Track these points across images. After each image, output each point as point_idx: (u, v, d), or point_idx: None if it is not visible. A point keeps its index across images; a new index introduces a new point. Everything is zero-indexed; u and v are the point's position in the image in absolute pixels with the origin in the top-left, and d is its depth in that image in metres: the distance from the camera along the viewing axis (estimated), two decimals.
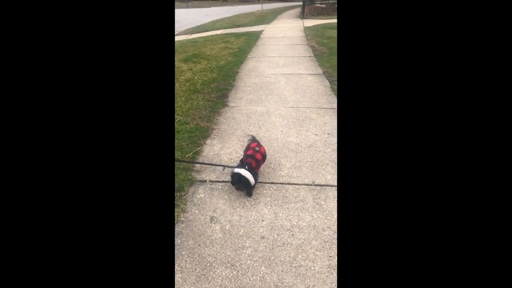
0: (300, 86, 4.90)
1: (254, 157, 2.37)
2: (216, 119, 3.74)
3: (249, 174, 2.21)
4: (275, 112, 3.93)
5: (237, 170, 2.23)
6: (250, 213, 2.17)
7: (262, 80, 5.23)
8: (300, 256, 1.81)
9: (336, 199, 2.32)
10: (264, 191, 2.40)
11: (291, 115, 3.86)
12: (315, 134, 3.34)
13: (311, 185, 2.49)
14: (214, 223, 2.08)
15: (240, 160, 2.37)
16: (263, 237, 1.95)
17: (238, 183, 2.22)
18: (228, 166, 2.56)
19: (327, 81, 5.11)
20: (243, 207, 2.22)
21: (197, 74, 5.51)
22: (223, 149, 3.06)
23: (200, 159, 2.87)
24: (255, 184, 2.32)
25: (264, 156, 2.51)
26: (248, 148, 2.53)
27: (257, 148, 2.46)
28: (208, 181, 2.55)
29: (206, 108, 4.01)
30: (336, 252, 1.82)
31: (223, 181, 2.54)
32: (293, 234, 1.98)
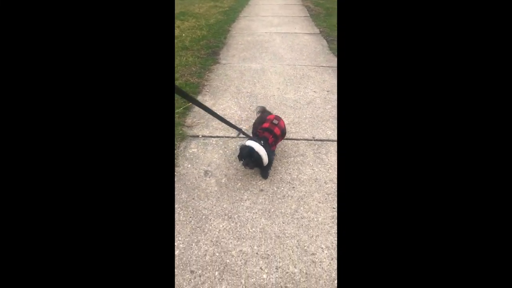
0: (296, 44, 4.60)
1: (271, 131, 1.89)
2: (207, 76, 3.47)
3: (263, 151, 1.75)
4: (270, 70, 3.68)
5: (248, 143, 1.79)
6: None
7: (256, 38, 4.89)
8: (302, 208, 1.70)
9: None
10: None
11: (288, 72, 3.62)
12: (314, 91, 3.15)
13: (311, 140, 2.35)
14: (209, 177, 1.93)
15: (253, 133, 1.96)
16: (261, 190, 1.82)
17: (247, 158, 1.75)
18: (243, 133, 1.90)
19: (324, 40, 4.81)
20: (240, 162, 2.06)
21: (185, 32, 5.09)
22: (216, 105, 2.84)
23: (191, 115, 2.66)
24: (270, 164, 1.87)
25: (283, 132, 2.00)
26: (262, 120, 2.04)
27: (275, 121, 1.95)
28: (201, 136, 2.37)
29: (196, 65, 3.71)
30: None
31: (217, 136, 2.35)
32: (293, 187, 1.85)
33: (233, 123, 2.53)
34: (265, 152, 1.76)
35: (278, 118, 2.00)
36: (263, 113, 2.20)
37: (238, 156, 1.84)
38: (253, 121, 2.57)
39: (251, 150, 1.74)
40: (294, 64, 3.87)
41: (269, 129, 1.91)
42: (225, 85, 3.25)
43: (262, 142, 1.80)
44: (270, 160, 1.84)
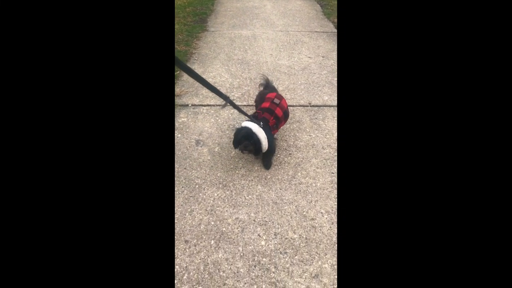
0: (289, 10, 4.34)
1: (272, 112, 1.61)
2: (195, 44, 3.25)
3: (262, 133, 1.48)
4: (262, 36, 3.47)
5: (246, 123, 1.51)
6: None
7: (245, 4, 4.59)
8: (299, 174, 1.63)
9: (335, 118, 2.10)
10: None
11: (281, 38, 3.42)
12: (309, 57, 2.99)
13: (307, 106, 2.23)
14: (201, 147, 1.82)
15: (253, 115, 1.63)
16: (257, 158, 1.73)
17: (246, 141, 1.47)
18: (231, 103, 1.43)
19: (318, 5, 4.56)
20: (232, 130, 1.96)
21: None
22: (206, 73, 2.67)
23: (179, 84, 2.50)
24: (272, 151, 1.61)
25: (286, 114, 1.72)
26: (262, 98, 1.76)
27: (276, 101, 1.66)
28: (190, 105, 2.23)
29: (182, 33, 3.47)
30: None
31: (208, 105, 2.22)
32: (290, 154, 1.77)
33: (224, 91, 2.40)
34: (265, 135, 1.48)
35: (279, 97, 1.70)
36: (266, 88, 1.91)
37: (234, 141, 1.56)
38: (246, 88, 2.44)
39: (248, 132, 1.46)
40: (287, 30, 3.66)
41: (269, 109, 1.61)
42: (214, 53, 3.06)
43: (261, 123, 1.52)
44: (272, 146, 1.55)
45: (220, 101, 2.25)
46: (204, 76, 2.60)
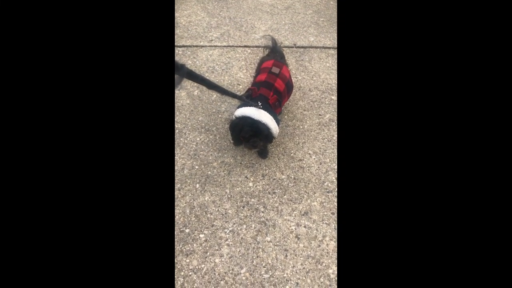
0: None
1: (271, 85, 1.26)
2: None
3: (268, 116, 1.16)
4: None
5: (243, 111, 1.17)
6: (223, 77, 1.77)
7: None
8: (286, 116, 1.55)
9: (322, 60, 1.98)
10: (237, 55, 1.95)
11: None
12: None
13: (292, 47, 2.08)
14: (178, 90, 1.67)
15: (246, 94, 1.26)
16: None
17: (253, 138, 1.15)
18: (244, 100, 1.19)
19: None
20: (212, 72, 1.79)
21: None
22: (179, 11, 2.37)
23: None
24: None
25: (289, 86, 1.35)
26: (258, 69, 1.40)
27: (275, 70, 1.29)
28: None
29: None
30: (326, 110, 1.58)
31: (183, 46, 2.00)
32: None
33: (200, 30, 2.16)
34: (270, 116, 1.16)
35: (278, 64, 1.33)
36: (272, 53, 1.46)
37: (233, 137, 1.24)
38: (225, 28, 2.21)
39: (254, 125, 1.13)
40: None
41: (267, 83, 1.26)
42: None
43: (260, 104, 1.18)
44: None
45: (197, 40, 2.03)
46: (177, 15, 2.32)
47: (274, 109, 1.23)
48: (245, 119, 1.13)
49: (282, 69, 1.31)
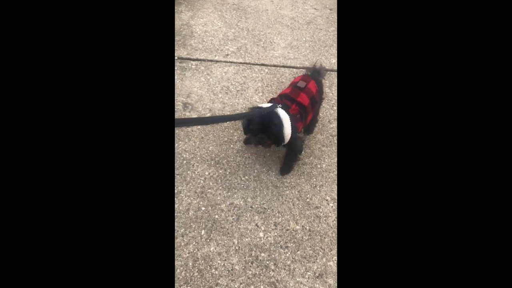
0: None
1: (293, 99, 1.19)
2: None
3: (286, 116, 1.10)
4: None
5: (263, 104, 1.14)
6: (237, 100, 1.64)
7: None
8: (303, 152, 1.43)
9: None
10: (254, 75, 1.82)
11: None
12: (315, 9, 2.59)
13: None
14: (189, 111, 1.55)
15: (270, 101, 1.22)
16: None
17: (261, 134, 1.08)
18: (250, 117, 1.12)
19: None
20: (226, 93, 1.67)
21: None
22: (194, 18, 2.24)
23: None
24: (295, 152, 1.27)
25: (313, 101, 1.24)
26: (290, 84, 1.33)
27: (301, 84, 1.23)
28: (177, 58, 1.87)
29: None
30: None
31: (197, 59, 1.87)
32: None
33: (216, 41, 2.03)
34: (288, 117, 1.10)
35: (305, 79, 1.26)
36: (312, 76, 1.34)
37: (245, 127, 1.17)
38: (242, 41, 2.08)
39: (267, 119, 1.06)
40: None
41: (290, 96, 1.20)
42: None
43: (280, 106, 1.13)
44: (296, 144, 1.20)
45: (212, 55, 1.90)
46: (192, 22, 2.19)
47: (295, 122, 1.15)
48: (259, 111, 1.06)
49: (308, 83, 1.24)
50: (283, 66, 1.92)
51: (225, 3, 2.46)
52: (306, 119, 1.23)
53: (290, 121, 1.11)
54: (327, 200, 1.25)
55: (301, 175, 1.33)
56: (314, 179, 1.32)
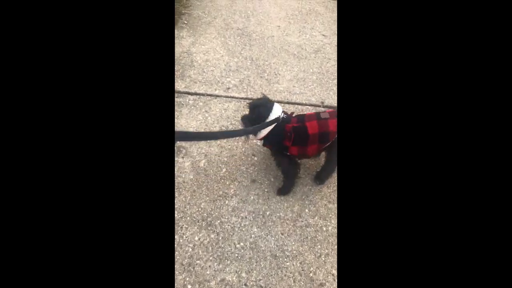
0: None
1: (302, 121, 1.16)
2: (186, 0, 2.61)
3: (276, 111, 1.14)
4: None
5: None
6: (236, 143, 1.50)
7: None
8: (306, 210, 1.27)
9: None
10: None
11: (291, 5, 2.81)
12: (323, 35, 2.46)
13: (319, 106, 1.80)
14: (183, 157, 1.40)
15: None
16: (254, 180, 1.35)
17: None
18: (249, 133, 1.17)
19: None
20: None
21: None
22: (196, 44, 2.12)
23: None
24: (285, 172, 1.27)
25: (323, 136, 1.15)
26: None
27: (322, 115, 1.17)
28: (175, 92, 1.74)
29: None
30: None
31: (196, 93, 1.74)
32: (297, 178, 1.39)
33: (217, 73, 1.90)
34: (278, 117, 1.13)
35: (332, 114, 1.18)
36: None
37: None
38: (245, 73, 1.94)
39: (267, 103, 1.15)
40: None
41: (301, 117, 1.19)
42: (209, 16, 2.45)
43: (284, 115, 1.16)
44: (282, 161, 1.22)
45: (213, 88, 1.77)
46: (194, 49, 2.07)
47: (284, 136, 1.13)
48: (261, 126, 1.10)
49: (331, 119, 1.15)
50: (288, 103, 1.78)
51: (229, 28, 2.34)
52: (305, 147, 1.15)
53: (277, 126, 1.12)
54: (332, 274, 1.09)
55: (304, 240, 1.17)
56: (319, 246, 1.16)
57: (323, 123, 1.14)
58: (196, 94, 1.73)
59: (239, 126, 1.58)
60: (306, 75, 2.01)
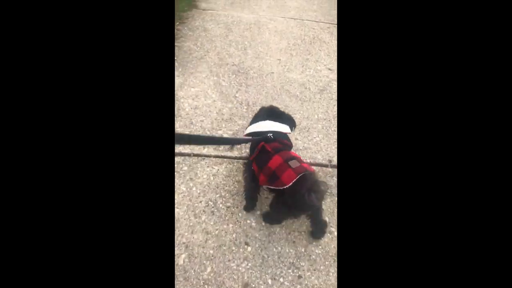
0: None
1: (268, 155, 1.10)
2: (178, 30, 2.37)
3: (278, 128, 1.23)
4: (269, 26, 2.59)
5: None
6: (225, 226, 1.23)
7: None
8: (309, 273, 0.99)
9: None
10: None
11: (293, 32, 2.56)
12: (329, 69, 2.20)
13: (326, 166, 1.53)
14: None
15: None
16: (248, 246, 1.08)
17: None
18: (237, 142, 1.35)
19: None
20: (212, 213, 1.26)
21: None
22: (185, 87, 1.86)
23: None
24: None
25: (263, 162, 1.10)
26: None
27: (292, 164, 1.05)
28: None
29: None
30: None
31: (181, 154, 1.48)
32: (299, 257, 1.12)
33: (207, 124, 1.65)
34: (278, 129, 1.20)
35: (303, 168, 1.04)
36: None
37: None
38: (240, 122, 1.68)
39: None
40: (301, 18, 2.77)
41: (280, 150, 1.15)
42: (202, 49, 2.20)
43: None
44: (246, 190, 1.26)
45: (201, 146, 1.51)
46: (181, 94, 1.81)
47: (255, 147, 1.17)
48: (259, 138, 1.16)
49: (294, 170, 1.02)
50: None
51: (224, 64, 2.09)
52: (260, 171, 1.11)
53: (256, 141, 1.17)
54: None
55: None
56: None
57: (283, 168, 1.04)
58: (180, 154, 1.47)
59: (229, 200, 1.32)
60: (310, 124, 1.74)
